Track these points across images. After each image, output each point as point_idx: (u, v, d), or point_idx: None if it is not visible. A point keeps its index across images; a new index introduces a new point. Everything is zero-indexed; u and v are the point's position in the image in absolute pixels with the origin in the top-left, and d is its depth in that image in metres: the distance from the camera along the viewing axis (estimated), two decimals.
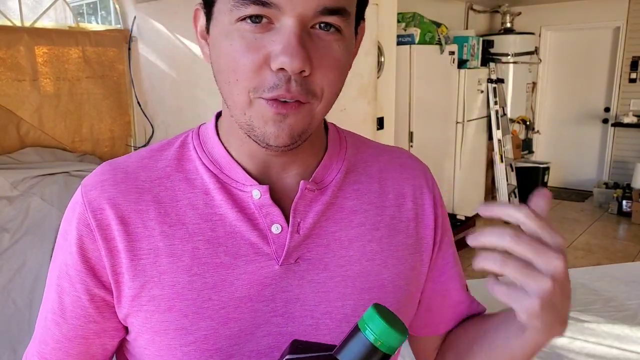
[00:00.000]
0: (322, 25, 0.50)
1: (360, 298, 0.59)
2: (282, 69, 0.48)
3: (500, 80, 5.17)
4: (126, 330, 0.59)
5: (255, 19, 0.49)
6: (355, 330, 0.42)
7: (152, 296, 0.55)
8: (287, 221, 0.57)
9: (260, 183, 0.57)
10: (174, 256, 0.55)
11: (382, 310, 0.42)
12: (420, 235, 0.65)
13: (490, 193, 5.33)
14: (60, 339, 0.58)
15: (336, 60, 0.52)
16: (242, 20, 0.49)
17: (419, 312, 0.68)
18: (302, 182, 0.58)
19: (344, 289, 0.58)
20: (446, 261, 0.68)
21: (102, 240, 0.55)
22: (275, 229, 0.57)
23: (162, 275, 0.55)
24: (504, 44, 5.44)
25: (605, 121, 5.81)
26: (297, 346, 0.46)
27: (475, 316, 0.70)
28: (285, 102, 0.50)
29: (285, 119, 0.51)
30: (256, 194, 0.57)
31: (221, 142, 0.59)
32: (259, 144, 0.53)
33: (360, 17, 0.58)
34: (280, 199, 0.58)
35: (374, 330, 0.41)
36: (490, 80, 4.94)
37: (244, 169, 0.58)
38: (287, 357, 0.45)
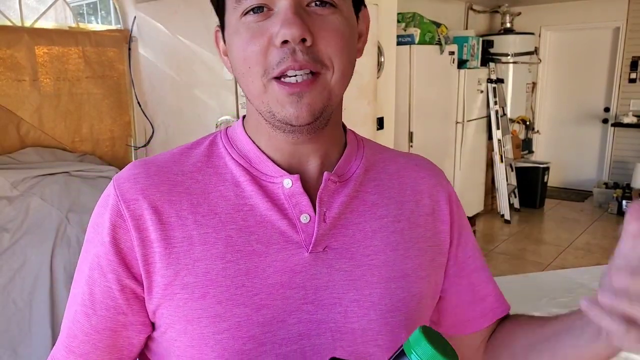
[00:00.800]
0: (316, 2, 0.54)
1: (387, 287, 0.61)
2: (285, 42, 0.52)
3: (500, 81, 5.17)
4: (152, 327, 0.60)
5: (257, 9, 0.53)
6: (401, 354, 0.40)
7: (185, 284, 0.56)
8: (314, 211, 0.59)
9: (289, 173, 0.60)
10: (207, 244, 0.57)
11: (429, 334, 0.39)
12: (437, 230, 0.67)
13: (490, 193, 5.33)
14: (89, 331, 0.59)
15: (336, 30, 0.54)
16: (245, 14, 0.54)
17: (448, 308, 0.70)
18: (325, 173, 0.60)
19: (370, 277, 0.60)
20: (467, 255, 0.70)
21: (134, 230, 0.56)
22: (304, 218, 0.59)
23: (195, 263, 0.56)
24: (504, 44, 5.45)
25: (605, 121, 5.81)
26: None
27: (522, 317, 0.70)
28: (296, 82, 0.53)
29: (301, 99, 0.53)
30: (287, 182, 0.59)
31: (250, 138, 0.62)
32: (284, 129, 0.56)
33: (359, 2, 0.61)
34: (306, 191, 0.60)
35: (421, 356, 0.38)
36: (490, 80, 4.94)
37: (273, 161, 0.60)
38: None
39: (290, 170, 0.60)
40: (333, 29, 0.54)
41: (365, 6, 0.62)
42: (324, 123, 0.57)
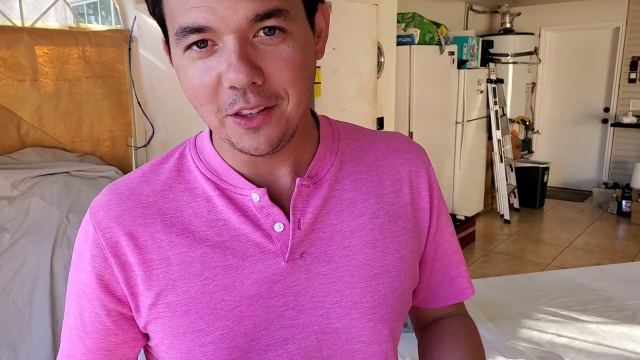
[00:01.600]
0: (265, 30, 0.50)
1: (367, 285, 0.61)
2: (233, 86, 0.49)
3: (499, 81, 5.17)
4: (147, 337, 0.62)
5: (200, 43, 0.50)
6: None
7: (168, 303, 0.57)
8: (288, 218, 0.59)
9: (257, 186, 0.59)
10: (184, 263, 0.58)
11: None
12: (417, 218, 0.67)
13: (490, 193, 5.33)
14: (85, 352, 0.62)
15: (287, 61, 0.51)
16: (188, 48, 0.51)
17: (419, 287, 0.73)
18: (297, 179, 0.59)
19: (349, 278, 0.60)
20: (445, 239, 0.72)
21: (113, 257, 0.58)
22: (278, 227, 0.59)
23: (175, 283, 0.57)
24: (504, 44, 5.45)
25: (604, 121, 5.81)
26: None
27: (448, 328, 0.73)
28: (250, 115, 0.51)
29: (259, 131, 0.52)
30: (255, 197, 0.59)
31: (216, 150, 0.62)
32: (245, 153, 0.55)
33: (313, 6, 0.56)
34: (278, 198, 0.60)
35: None
36: (489, 81, 4.94)
37: (240, 173, 0.60)
38: None
39: (260, 181, 0.60)
40: (285, 59, 0.51)
41: (323, 2, 0.58)
42: (285, 144, 0.55)
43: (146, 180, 0.62)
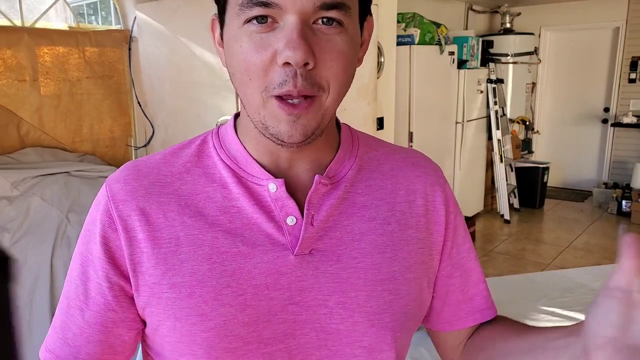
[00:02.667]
0: (323, 20, 0.52)
1: (373, 289, 0.61)
2: (287, 63, 0.51)
3: (499, 81, 5.17)
4: (144, 324, 0.61)
5: (261, 19, 0.52)
6: None
7: (173, 283, 0.57)
8: (302, 214, 0.60)
9: (275, 177, 0.60)
10: (194, 245, 0.58)
11: None
12: (430, 231, 0.67)
13: (490, 193, 5.33)
14: (82, 324, 0.61)
15: (339, 53, 0.54)
16: (248, 22, 0.52)
17: (437, 307, 0.70)
18: (316, 176, 0.60)
19: (356, 280, 0.60)
20: (462, 255, 0.70)
21: (122, 231, 0.58)
22: (290, 220, 0.59)
23: (182, 264, 0.58)
24: (504, 44, 5.45)
25: (604, 121, 5.82)
26: None
27: (504, 322, 0.70)
28: (293, 103, 0.53)
29: (298, 119, 0.54)
30: (272, 187, 0.60)
31: (239, 139, 0.63)
32: (273, 141, 0.56)
33: (365, 13, 0.60)
34: (294, 193, 0.60)
35: None
36: (489, 81, 4.94)
37: (260, 164, 0.61)
38: None
39: (278, 173, 0.61)
40: (337, 51, 0.53)
41: (371, 14, 0.62)
42: (315, 138, 0.57)
43: (166, 162, 0.63)
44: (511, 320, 0.70)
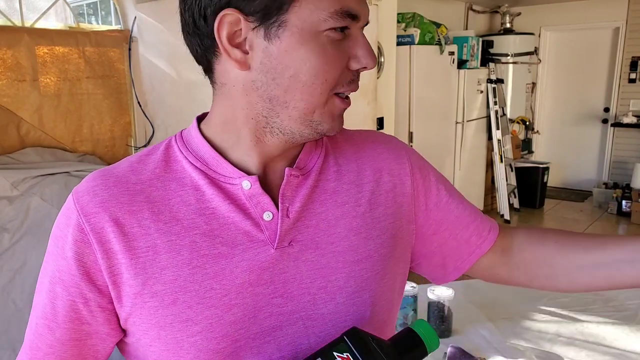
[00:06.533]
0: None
1: (352, 269, 0.63)
2: (362, 67, 0.59)
3: (499, 81, 5.17)
4: (123, 333, 0.61)
5: (344, 28, 0.57)
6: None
7: (154, 292, 0.56)
8: (277, 208, 0.60)
9: (249, 175, 0.60)
10: (172, 251, 0.57)
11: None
12: (399, 203, 0.69)
13: (490, 193, 5.33)
14: (52, 343, 0.59)
15: None
16: (331, 29, 0.56)
17: (438, 262, 0.74)
18: (286, 169, 0.62)
19: (335, 264, 0.62)
20: (443, 211, 0.73)
21: (97, 244, 0.57)
22: (267, 216, 0.60)
23: (162, 271, 0.57)
24: (504, 44, 5.45)
25: (604, 121, 5.81)
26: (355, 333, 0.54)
27: (557, 236, 0.73)
28: (349, 99, 0.61)
29: (342, 115, 0.62)
30: (246, 184, 0.60)
31: (206, 141, 0.62)
32: (305, 139, 0.61)
33: None
34: (268, 190, 0.61)
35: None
36: (489, 81, 4.94)
37: (233, 164, 0.61)
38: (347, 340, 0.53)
39: (250, 170, 0.61)
40: None
41: None
42: None
43: (132, 170, 0.61)
44: (564, 232, 0.74)
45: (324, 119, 0.59)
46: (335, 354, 0.53)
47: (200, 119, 0.66)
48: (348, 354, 0.53)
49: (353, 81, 0.60)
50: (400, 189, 0.69)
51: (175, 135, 0.65)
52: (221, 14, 0.56)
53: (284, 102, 0.57)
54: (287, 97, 0.57)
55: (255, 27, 0.55)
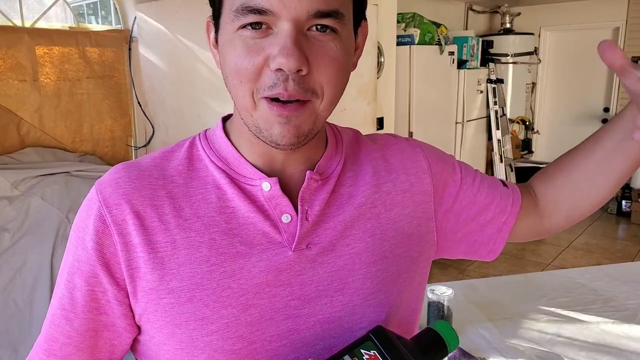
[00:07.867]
0: (317, 27, 0.53)
1: (368, 271, 0.63)
2: (280, 69, 0.52)
3: (499, 81, 5.18)
4: (138, 330, 0.60)
5: (255, 25, 0.52)
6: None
7: (171, 288, 0.56)
8: (296, 210, 0.60)
9: (269, 177, 0.60)
10: (191, 248, 0.57)
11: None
12: (417, 202, 0.69)
13: None
14: (71, 333, 0.59)
15: (333, 59, 0.54)
16: (243, 27, 0.53)
17: (471, 250, 0.75)
18: (308, 172, 0.61)
19: (352, 266, 0.62)
20: (465, 202, 0.72)
21: (117, 235, 0.57)
22: (285, 218, 0.60)
23: (180, 267, 0.57)
24: (504, 44, 5.45)
25: (604, 121, 5.81)
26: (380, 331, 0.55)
27: (562, 163, 0.76)
28: (285, 103, 0.53)
29: (289, 121, 0.54)
30: (266, 186, 0.60)
31: (230, 142, 0.63)
32: (268, 144, 0.56)
33: (359, 18, 0.61)
34: (288, 193, 0.61)
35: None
36: (489, 81, 4.94)
37: (254, 165, 0.61)
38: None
39: (270, 173, 0.61)
40: (330, 57, 0.54)
41: (365, 19, 0.63)
42: (308, 141, 0.58)
43: (156, 165, 0.62)
44: (566, 155, 0.76)
45: (262, 124, 0.55)
46: (362, 351, 0.54)
47: (226, 119, 0.67)
48: (375, 352, 0.53)
49: (276, 85, 0.52)
50: (419, 187, 0.69)
51: (200, 134, 0.66)
52: (207, 19, 0.61)
53: (234, 102, 0.58)
54: (232, 97, 0.58)
55: (215, 30, 0.59)
